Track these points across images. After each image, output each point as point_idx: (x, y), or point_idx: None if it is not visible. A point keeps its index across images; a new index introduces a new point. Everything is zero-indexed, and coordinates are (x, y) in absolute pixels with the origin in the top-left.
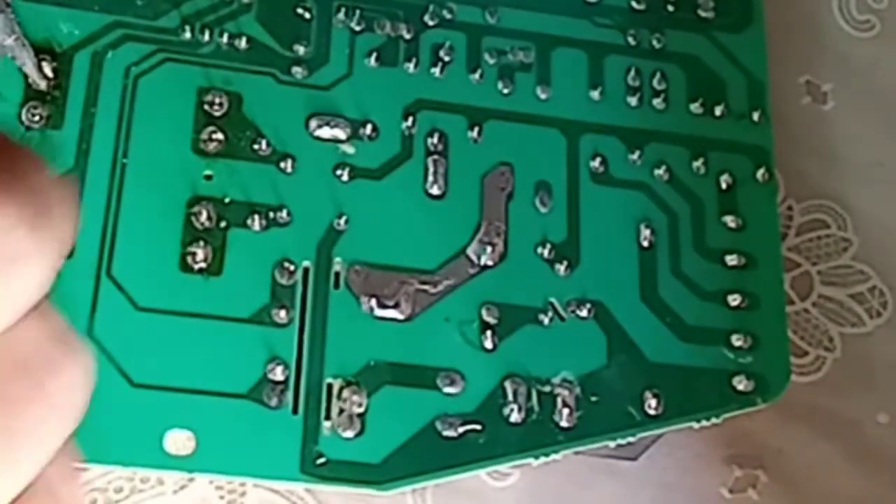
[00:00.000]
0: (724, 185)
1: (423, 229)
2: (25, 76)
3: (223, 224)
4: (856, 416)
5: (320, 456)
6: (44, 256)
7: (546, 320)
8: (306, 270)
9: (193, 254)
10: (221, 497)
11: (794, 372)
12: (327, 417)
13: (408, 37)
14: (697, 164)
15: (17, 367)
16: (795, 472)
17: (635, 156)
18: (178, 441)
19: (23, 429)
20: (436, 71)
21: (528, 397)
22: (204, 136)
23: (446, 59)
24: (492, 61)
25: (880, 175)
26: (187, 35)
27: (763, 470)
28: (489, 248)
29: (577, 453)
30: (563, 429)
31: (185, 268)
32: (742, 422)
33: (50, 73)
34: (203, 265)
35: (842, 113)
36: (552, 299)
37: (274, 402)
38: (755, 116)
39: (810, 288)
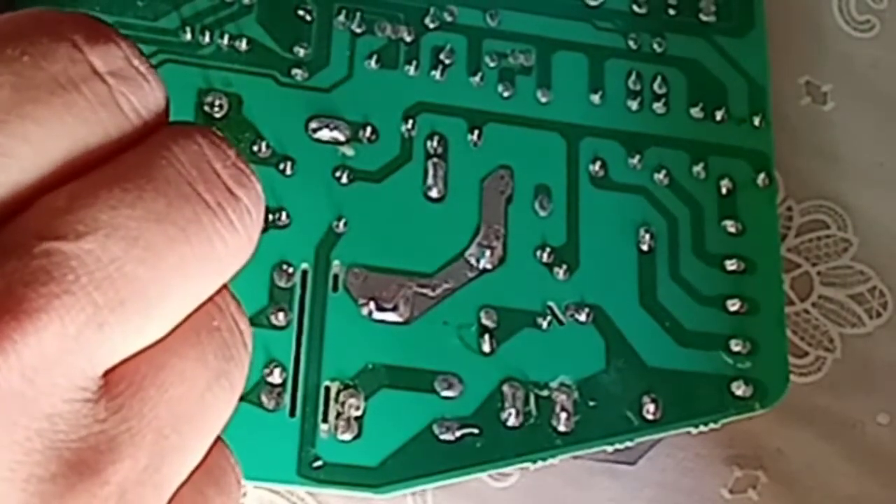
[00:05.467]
0: (724, 190)
1: (422, 232)
2: None
3: None
4: (856, 416)
5: (317, 459)
6: (160, 83)
7: (545, 324)
8: (305, 273)
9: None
10: None
11: (793, 372)
12: (325, 420)
13: (408, 39)
14: (697, 168)
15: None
16: (795, 473)
17: (635, 160)
18: None
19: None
20: (436, 74)
21: (526, 401)
22: None
23: (447, 61)
24: (492, 64)
25: (880, 175)
26: (187, 36)
27: (763, 470)
28: (488, 252)
29: (574, 458)
30: (560, 433)
31: None
32: (742, 422)
33: None
34: None
35: (842, 113)
36: (551, 303)
37: (271, 404)
38: (756, 121)
39: (810, 288)
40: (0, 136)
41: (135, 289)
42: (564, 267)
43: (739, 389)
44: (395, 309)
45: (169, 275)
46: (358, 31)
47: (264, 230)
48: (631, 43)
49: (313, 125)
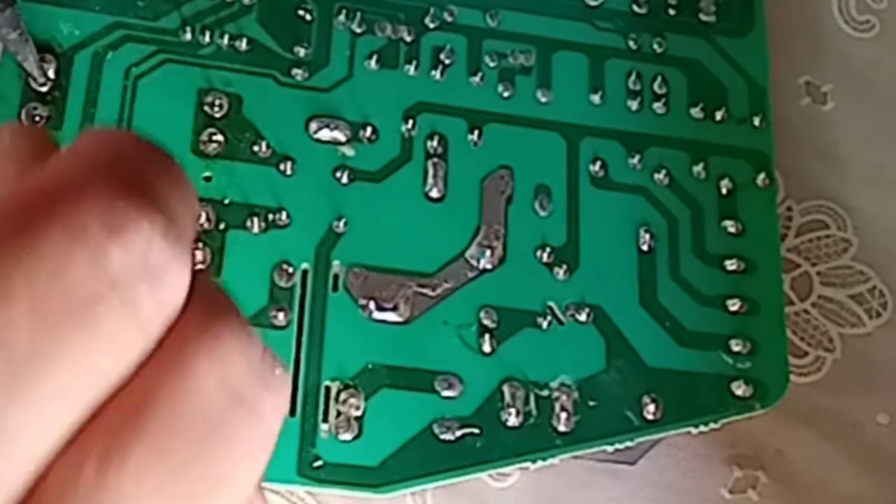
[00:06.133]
0: (724, 190)
1: (423, 232)
2: (26, 77)
3: (222, 226)
4: (856, 416)
5: (317, 459)
6: (182, 263)
7: (545, 324)
8: (305, 273)
9: (192, 255)
10: None
11: (793, 372)
12: (325, 420)
13: (408, 39)
14: (698, 168)
15: (230, 395)
16: (795, 473)
17: (635, 160)
18: None
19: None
20: (436, 74)
21: (526, 401)
22: (203, 137)
23: (447, 61)
24: (492, 64)
25: (880, 175)
26: (188, 36)
27: (763, 470)
28: (488, 252)
29: (574, 458)
30: (560, 433)
31: None
32: (742, 422)
33: (51, 74)
34: (202, 267)
35: (842, 113)
36: (551, 303)
37: None
38: (756, 121)
39: (810, 288)
40: (18, 404)
41: None
42: (564, 267)
43: (739, 389)
44: (395, 309)
45: None
46: (358, 30)
47: (264, 230)
48: (631, 43)
49: (313, 125)
